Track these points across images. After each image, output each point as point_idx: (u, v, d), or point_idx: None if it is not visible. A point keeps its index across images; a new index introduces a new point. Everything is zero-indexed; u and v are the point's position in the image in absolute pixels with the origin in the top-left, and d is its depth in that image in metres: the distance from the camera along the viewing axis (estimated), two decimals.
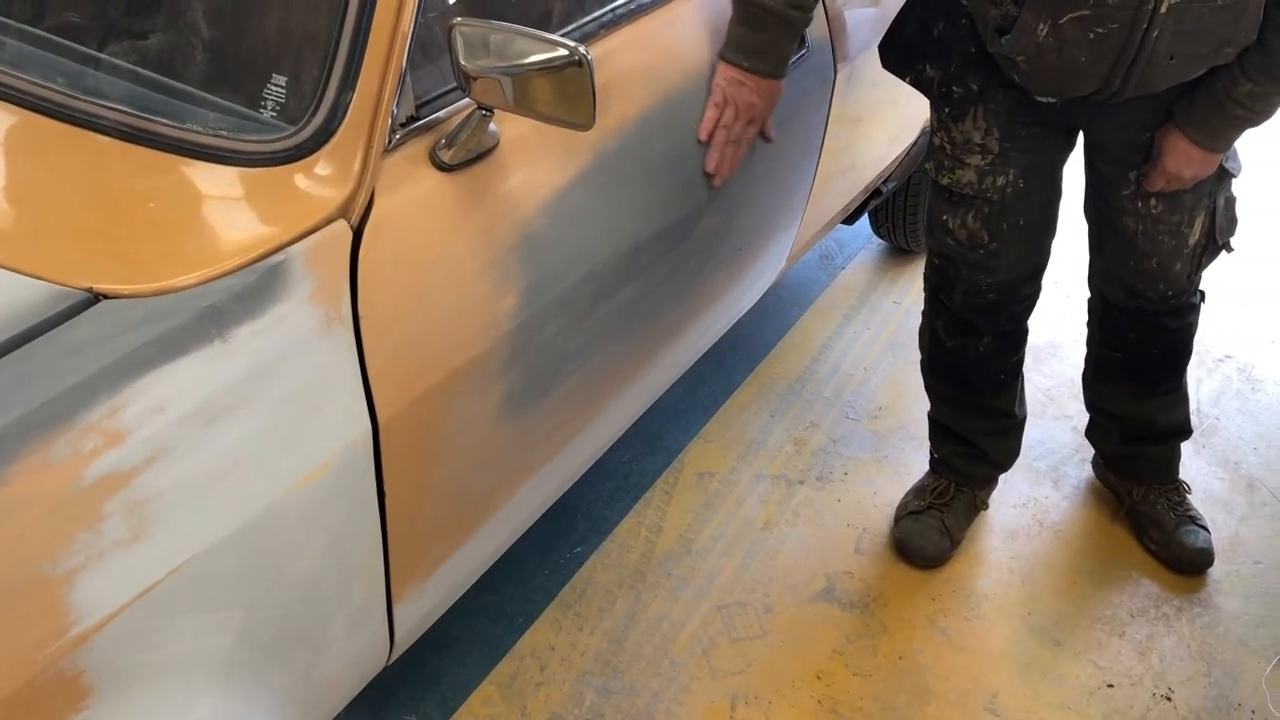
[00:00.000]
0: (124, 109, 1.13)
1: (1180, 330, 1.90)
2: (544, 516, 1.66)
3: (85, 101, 1.13)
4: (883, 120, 2.19)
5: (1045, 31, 1.48)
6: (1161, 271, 1.77)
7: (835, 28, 1.87)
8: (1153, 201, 1.69)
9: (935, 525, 2.00)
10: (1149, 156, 1.65)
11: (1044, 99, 1.61)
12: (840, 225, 2.54)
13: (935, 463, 2.08)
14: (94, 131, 1.12)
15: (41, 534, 0.89)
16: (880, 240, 2.89)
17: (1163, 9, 1.42)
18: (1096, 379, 2.03)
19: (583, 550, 2.02)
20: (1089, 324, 2.00)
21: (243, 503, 1.03)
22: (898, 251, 2.89)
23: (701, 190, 1.61)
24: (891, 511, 2.11)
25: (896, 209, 2.68)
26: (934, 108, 1.75)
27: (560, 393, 1.46)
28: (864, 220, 2.74)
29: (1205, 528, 2.02)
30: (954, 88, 1.69)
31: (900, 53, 1.75)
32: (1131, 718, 1.76)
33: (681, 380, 1.99)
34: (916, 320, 2.63)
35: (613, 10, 1.50)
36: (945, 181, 1.76)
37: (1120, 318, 1.90)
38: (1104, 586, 1.99)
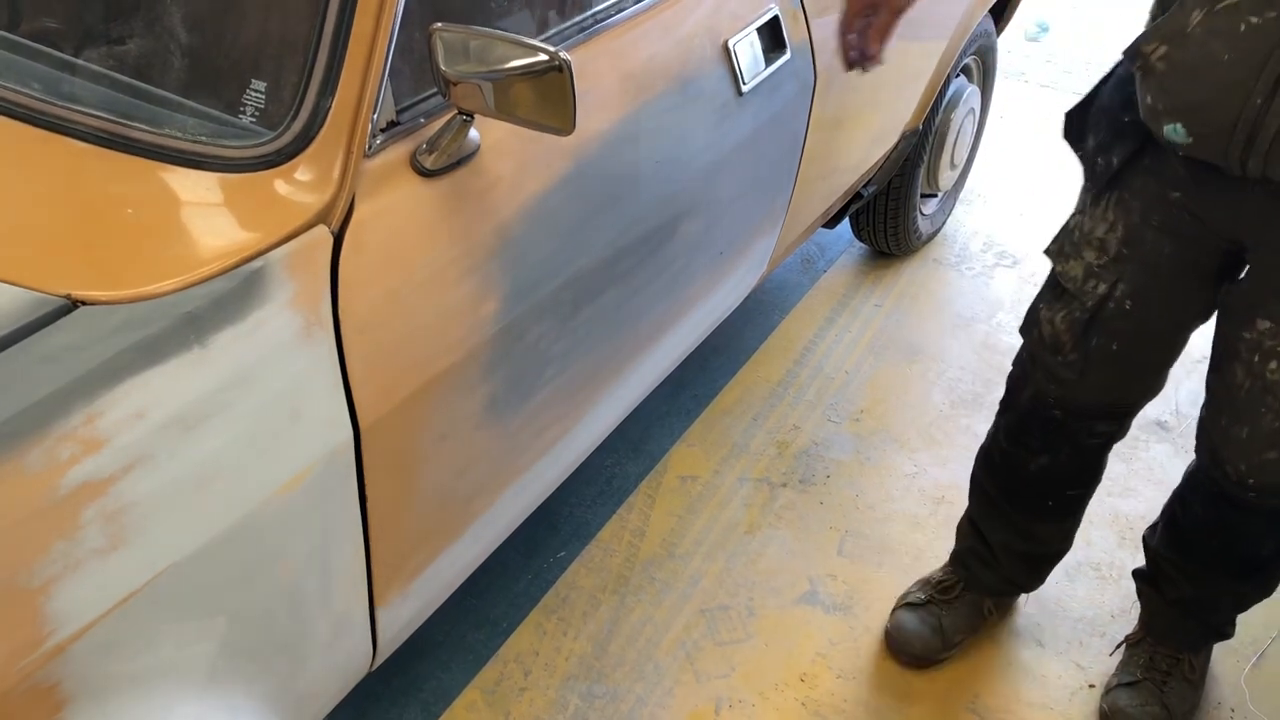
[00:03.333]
0: (102, 114, 1.12)
1: (1251, 539, 1.57)
2: (527, 521, 1.66)
3: (62, 107, 1.13)
4: (863, 124, 2.20)
5: (1198, 19, 1.22)
6: (1248, 448, 1.44)
7: (816, 32, 1.88)
8: (1272, 365, 1.37)
9: (930, 623, 1.84)
10: None
11: (1170, 128, 1.29)
12: (821, 229, 2.55)
13: (951, 554, 1.90)
14: (71, 137, 1.11)
15: (17, 544, 0.88)
16: (861, 244, 2.90)
17: None
18: (1161, 519, 1.73)
19: (566, 555, 2.01)
20: (1187, 468, 1.69)
21: (223, 510, 1.03)
22: (878, 255, 2.90)
23: (682, 195, 1.61)
24: (874, 513, 2.12)
25: (877, 212, 2.69)
26: (1084, 188, 1.52)
27: (542, 398, 1.46)
28: (845, 224, 2.75)
29: (1164, 704, 1.72)
30: (1099, 159, 1.46)
31: (1079, 124, 1.52)
32: None
33: (664, 384, 2.00)
34: (897, 323, 2.65)
35: (594, 16, 1.50)
36: (1058, 269, 1.53)
37: (1199, 485, 1.60)
38: (1085, 587, 2.00)
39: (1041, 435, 1.64)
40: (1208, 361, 1.51)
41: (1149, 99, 1.31)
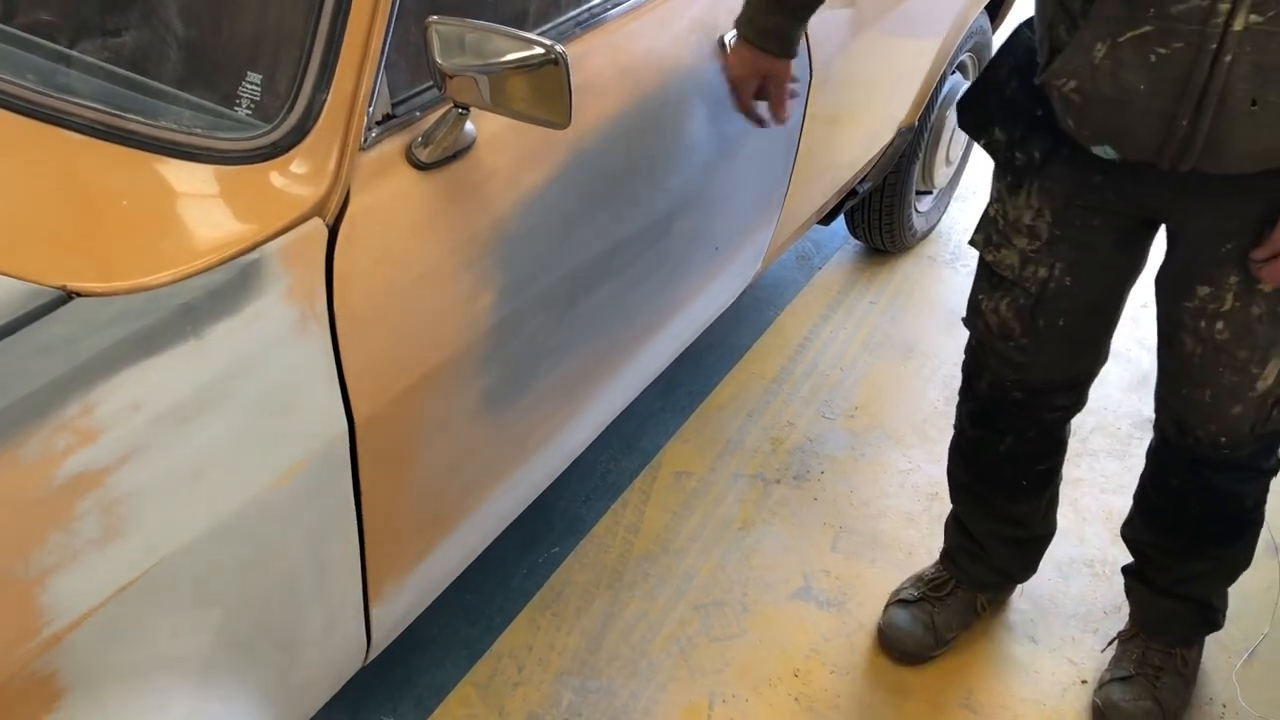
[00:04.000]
0: (98, 106, 1.12)
1: (1232, 497, 1.61)
2: (521, 517, 1.66)
3: (59, 99, 1.12)
4: (858, 121, 2.21)
5: (1103, 53, 1.25)
6: (1214, 409, 1.50)
7: (811, 29, 1.88)
8: (1219, 325, 1.42)
9: (922, 620, 1.84)
10: (1233, 268, 1.39)
11: (1099, 149, 1.34)
12: (816, 226, 2.55)
13: (942, 553, 1.92)
14: (68, 129, 1.11)
15: (13, 534, 0.89)
16: (856, 241, 2.91)
17: (1236, 25, 1.16)
18: (1136, 508, 1.77)
19: (560, 550, 2.02)
20: (1148, 449, 1.72)
21: (218, 501, 1.03)
22: (873, 252, 2.91)
23: (678, 190, 1.62)
24: (868, 509, 2.13)
25: (872, 209, 2.70)
26: (996, 176, 1.56)
27: (537, 392, 1.46)
28: (840, 221, 2.76)
29: (1157, 699, 1.73)
30: (1017, 153, 1.49)
31: (976, 113, 1.56)
32: None
33: (659, 380, 2.00)
34: (892, 320, 2.66)
35: (589, 10, 1.50)
36: (989, 258, 1.57)
37: (1168, 458, 1.64)
38: (1079, 583, 2.01)
39: (1006, 419, 1.69)
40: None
41: (1071, 123, 1.35)
